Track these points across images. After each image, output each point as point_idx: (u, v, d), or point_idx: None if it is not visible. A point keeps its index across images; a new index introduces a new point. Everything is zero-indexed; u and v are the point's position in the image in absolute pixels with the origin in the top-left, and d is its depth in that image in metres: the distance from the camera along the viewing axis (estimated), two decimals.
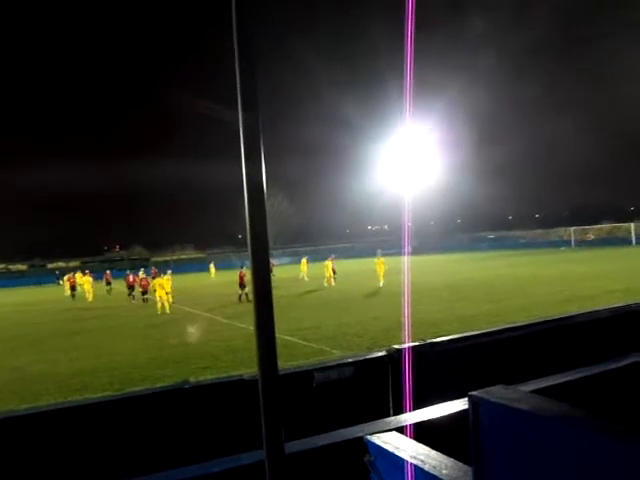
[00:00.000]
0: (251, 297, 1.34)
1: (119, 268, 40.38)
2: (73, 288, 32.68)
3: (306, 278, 33.27)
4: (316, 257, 37.36)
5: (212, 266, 47.79)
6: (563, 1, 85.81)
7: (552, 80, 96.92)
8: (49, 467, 2.59)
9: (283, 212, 76.84)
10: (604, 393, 2.89)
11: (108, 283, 33.68)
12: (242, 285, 23.07)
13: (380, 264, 25.97)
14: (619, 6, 74.56)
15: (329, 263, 28.64)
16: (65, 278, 36.80)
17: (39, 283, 58.25)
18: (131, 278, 28.85)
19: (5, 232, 77.79)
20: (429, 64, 60.39)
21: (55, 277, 56.01)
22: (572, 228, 61.03)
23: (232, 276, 25.83)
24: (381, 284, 24.65)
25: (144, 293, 25.10)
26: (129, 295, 27.78)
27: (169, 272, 25.60)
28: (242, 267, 23.96)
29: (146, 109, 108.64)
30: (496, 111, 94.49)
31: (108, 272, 35.58)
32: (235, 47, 1.27)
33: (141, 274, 29.00)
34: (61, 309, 26.79)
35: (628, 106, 76.69)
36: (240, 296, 22.89)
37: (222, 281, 35.40)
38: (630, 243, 51.37)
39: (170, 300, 23.68)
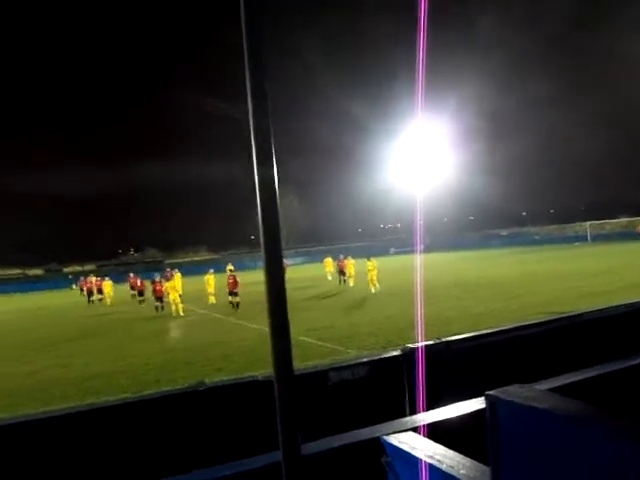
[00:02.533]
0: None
1: (135, 271, 39.91)
2: (90, 293, 31.82)
3: (330, 277, 32.59)
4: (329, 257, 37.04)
5: (230, 267, 47.02)
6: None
7: (565, 76, 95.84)
8: (67, 469, 2.61)
9: (294, 212, 77.01)
10: (621, 391, 2.85)
11: (133, 288, 30.96)
12: (233, 292, 20.86)
13: (372, 267, 23.09)
14: (633, 1, 73.44)
15: (351, 262, 27.38)
16: (83, 282, 35.75)
17: (56, 287, 58.96)
18: (138, 282, 28.25)
19: (21, 237, 78.95)
20: (440, 61, 60.06)
21: (69, 282, 56.21)
22: (587, 223, 60.24)
23: (247, 277, 25.40)
24: (373, 290, 22.46)
25: (159, 299, 22.93)
26: (138, 299, 27.38)
27: (211, 271, 24.63)
28: (231, 270, 22.20)
29: (159, 110, 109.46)
30: (508, 107, 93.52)
31: (132, 275, 32.64)
32: (245, 48, 1.27)
33: (176, 274, 26.93)
34: (75, 313, 27.11)
35: None
36: (233, 304, 20.70)
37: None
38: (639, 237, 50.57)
39: (213, 300, 23.09)
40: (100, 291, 32.07)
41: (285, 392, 1.31)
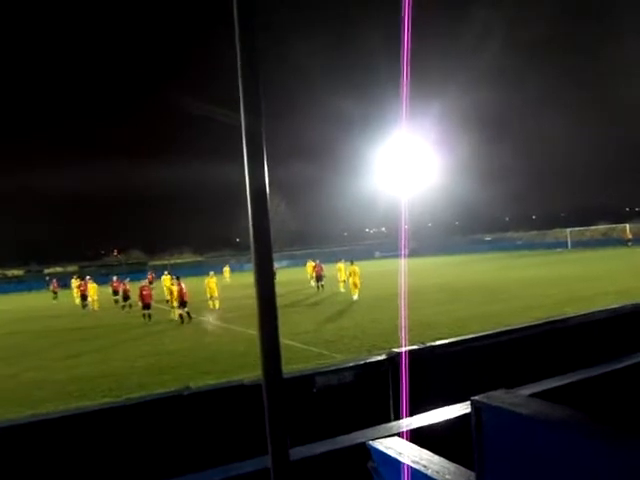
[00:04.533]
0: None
1: (118, 273, 38.95)
2: (84, 297, 29.34)
3: (313, 282, 32.30)
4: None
5: (227, 269, 44.93)
6: (564, 0, 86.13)
7: (549, 81, 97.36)
8: (49, 475, 2.57)
9: (280, 215, 76.83)
10: (605, 395, 2.89)
11: (116, 292, 28.65)
12: (183, 303, 18.69)
13: (354, 273, 21.41)
14: (621, 5, 74.82)
15: (342, 266, 25.89)
16: (74, 285, 33.45)
17: (36, 289, 57.69)
18: (121, 286, 26.66)
19: (0, 237, 77.29)
20: (426, 65, 60.57)
21: (45, 283, 54.23)
22: (568, 229, 61.07)
23: (238, 279, 24.52)
24: (355, 297, 21.09)
25: (146, 307, 20.40)
26: (120, 304, 25.96)
27: (212, 273, 22.89)
28: (177, 277, 20.17)
29: (144, 112, 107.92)
30: (493, 113, 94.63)
31: (115, 279, 30.01)
32: (237, 52, 1.26)
33: (166, 278, 25.03)
34: (57, 316, 26.63)
35: (623, 107, 77.13)
36: (182, 316, 18.68)
37: (233, 284, 35.36)
38: (625, 244, 51.45)
39: (215, 305, 21.32)
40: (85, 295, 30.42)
41: (274, 397, 1.30)
